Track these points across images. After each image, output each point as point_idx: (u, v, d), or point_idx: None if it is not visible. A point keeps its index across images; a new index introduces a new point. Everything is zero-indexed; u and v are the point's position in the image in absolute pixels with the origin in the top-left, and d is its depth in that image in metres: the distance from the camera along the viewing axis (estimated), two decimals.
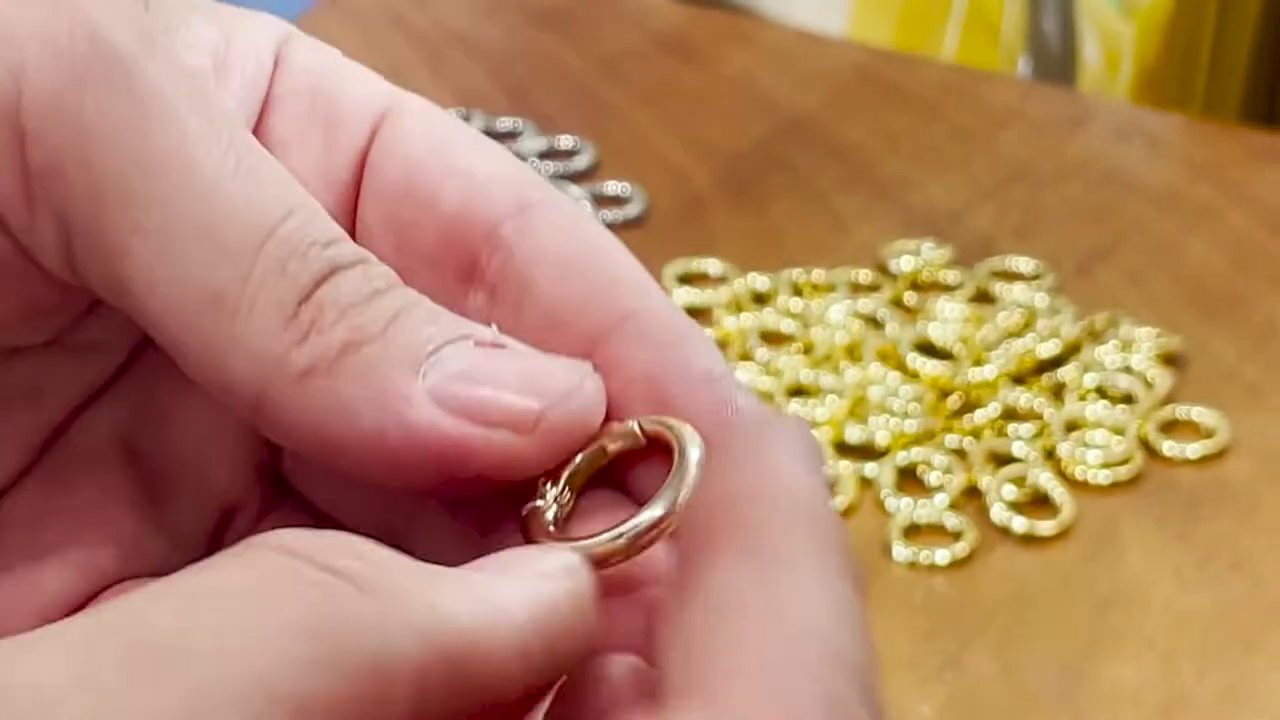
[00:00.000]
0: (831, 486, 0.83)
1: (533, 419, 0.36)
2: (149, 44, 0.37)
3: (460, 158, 0.40)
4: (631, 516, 0.36)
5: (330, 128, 0.40)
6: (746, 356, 0.89)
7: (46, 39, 0.36)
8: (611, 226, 0.96)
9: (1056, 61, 1.17)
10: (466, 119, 1.04)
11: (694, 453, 0.37)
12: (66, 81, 0.36)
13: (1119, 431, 0.85)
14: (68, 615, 0.40)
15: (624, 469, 0.38)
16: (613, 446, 0.38)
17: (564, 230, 0.39)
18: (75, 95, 0.36)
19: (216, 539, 0.41)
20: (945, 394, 0.87)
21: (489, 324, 0.38)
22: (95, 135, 0.36)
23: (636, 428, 0.37)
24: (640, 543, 0.36)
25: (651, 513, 0.36)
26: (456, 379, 0.36)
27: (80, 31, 0.36)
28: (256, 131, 0.40)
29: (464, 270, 0.39)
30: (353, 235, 0.39)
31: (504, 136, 1.04)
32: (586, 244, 0.39)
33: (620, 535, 0.36)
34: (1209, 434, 0.85)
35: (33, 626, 0.39)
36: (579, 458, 0.37)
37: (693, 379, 0.38)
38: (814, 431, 0.85)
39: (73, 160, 0.36)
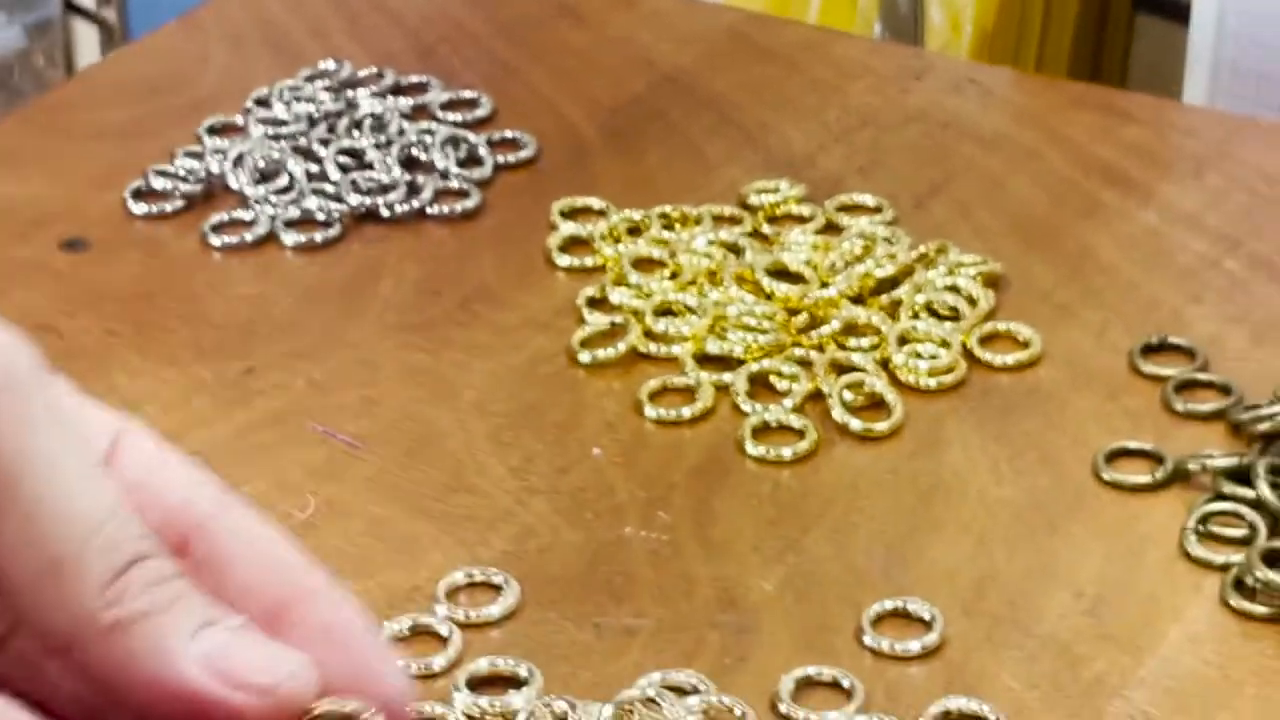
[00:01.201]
0: (693, 392, 0.84)
1: (270, 689, 0.44)
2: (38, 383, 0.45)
3: (181, 473, 0.48)
4: None
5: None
6: (621, 280, 0.90)
7: None
8: (506, 168, 0.98)
9: (906, 25, 1.18)
10: (380, 75, 1.04)
11: None
12: None
13: (945, 344, 0.86)
14: None
15: None
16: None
17: (253, 526, 0.47)
18: None
19: None
20: (794, 312, 0.88)
21: None
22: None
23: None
24: None
25: None
26: (219, 650, 0.44)
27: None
28: None
29: (176, 548, 0.46)
30: None
31: (413, 90, 1.04)
32: (270, 538, 0.47)
33: None
34: (1025, 345, 0.87)
35: None
36: None
37: (355, 634, 0.46)
38: (679, 343, 0.86)
39: None
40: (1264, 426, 0.80)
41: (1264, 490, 0.77)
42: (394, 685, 0.45)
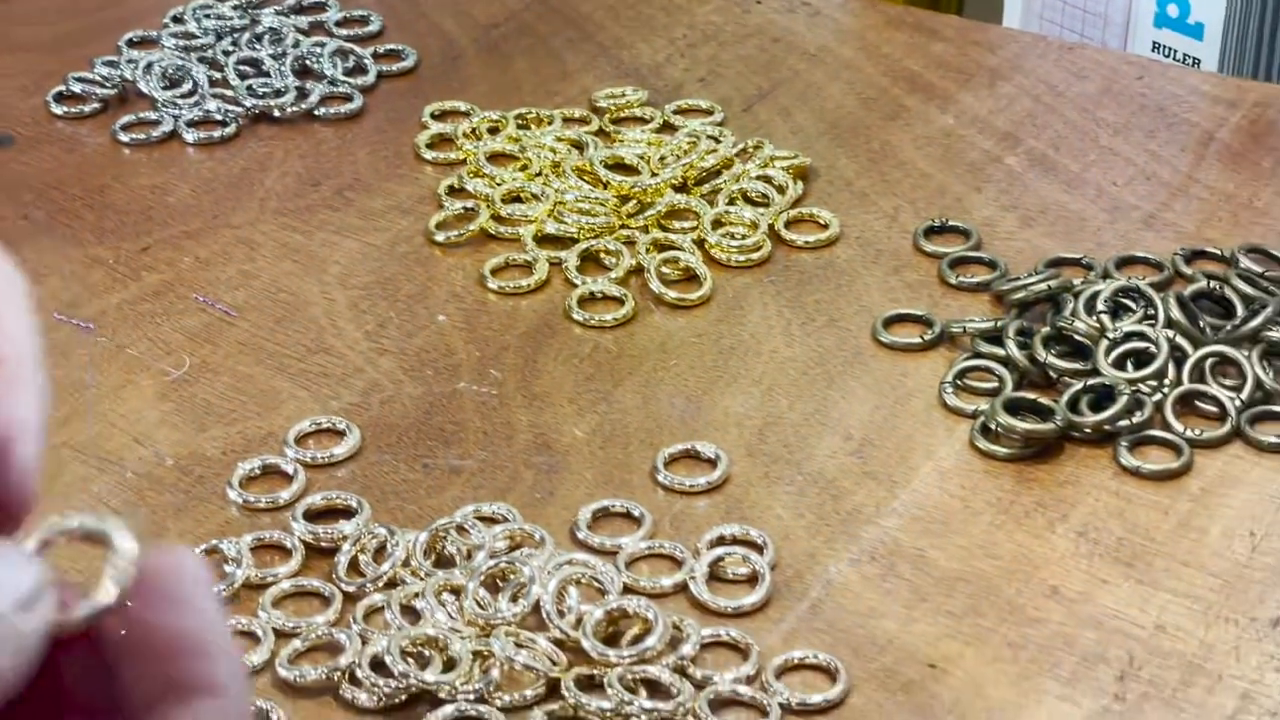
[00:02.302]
0: (531, 267, 0.82)
1: None
2: None
3: None
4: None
5: None
6: (477, 172, 0.88)
7: None
8: (387, 80, 0.97)
9: None
10: None
11: (127, 551, 0.36)
12: None
13: (754, 226, 0.85)
14: None
15: None
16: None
17: None
18: None
19: None
20: (625, 199, 0.86)
21: None
22: None
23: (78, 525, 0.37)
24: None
25: (97, 602, 0.36)
26: None
27: None
28: None
29: None
30: None
31: (313, 9, 1.02)
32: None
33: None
34: (825, 227, 0.85)
35: None
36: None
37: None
38: (522, 224, 0.85)
39: None
40: (1019, 295, 0.79)
41: (1011, 349, 0.76)
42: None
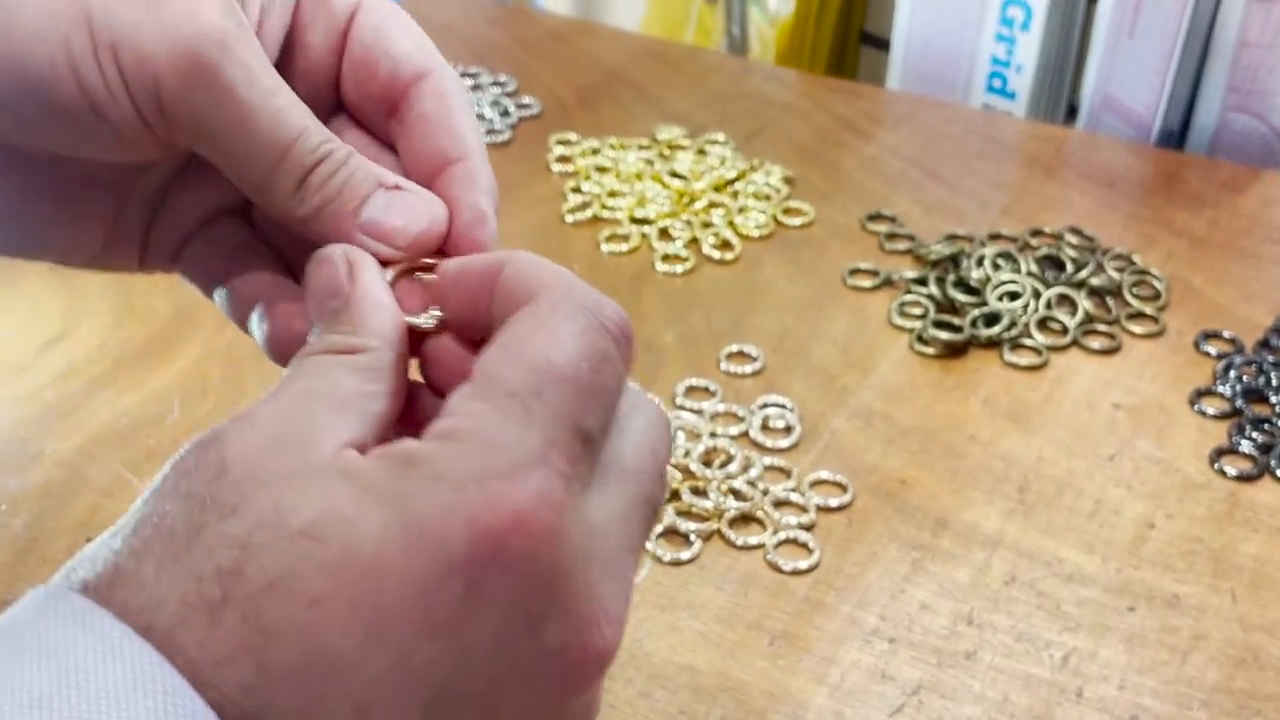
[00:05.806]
0: (628, 238, 0.81)
1: (410, 238, 0.35)
2: (234, 41, 0.33)
3: (394, 41, 0.37)
4: None
5: (329, 19, 0.37)
6: (588, 177, 0.87)
7: (176, 42, 0.33)
8: (524, 120, 0.95)
9: (738, 46, 1.14)
10: (455, 68, 1.01)
11: None
12: (189, 66, 0.33)
13: (764, 213, 0.84)
14: (188, 236, 0.39)
15: None
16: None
17: (443, 96, 0.37)
18: (191, 77, 0.34)
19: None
20: (682, 196, 0.86)
21: (396, 142, 0.36)
22: (201, 97, 0.34)
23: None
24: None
25: None
26: (376, 216, 0.35)
27: (196, 41, 0.33)
28: (293, 24, 0.37)
29: (391, 108, 0.37)
30: (337, 80, 0.37)
31: (472, 76, 1.00)
32: (451, 108, 0.37)
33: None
34: (805, 214, 0.85)
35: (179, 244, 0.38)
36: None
37: (474, 204, 0.36)
38: (620, 211, 0.84)
39: (190, 109, 0.34)
40: (933, 256, 0.78)
41: (933, 289, 0.76)
42: (477, 237, 0.36)
